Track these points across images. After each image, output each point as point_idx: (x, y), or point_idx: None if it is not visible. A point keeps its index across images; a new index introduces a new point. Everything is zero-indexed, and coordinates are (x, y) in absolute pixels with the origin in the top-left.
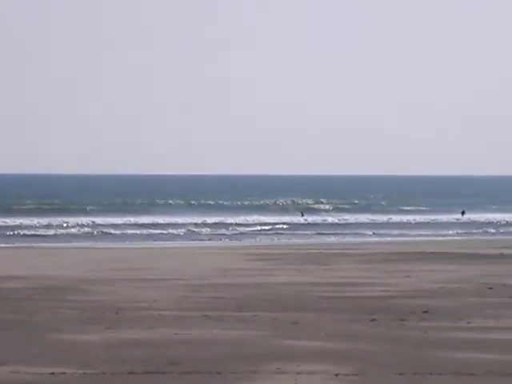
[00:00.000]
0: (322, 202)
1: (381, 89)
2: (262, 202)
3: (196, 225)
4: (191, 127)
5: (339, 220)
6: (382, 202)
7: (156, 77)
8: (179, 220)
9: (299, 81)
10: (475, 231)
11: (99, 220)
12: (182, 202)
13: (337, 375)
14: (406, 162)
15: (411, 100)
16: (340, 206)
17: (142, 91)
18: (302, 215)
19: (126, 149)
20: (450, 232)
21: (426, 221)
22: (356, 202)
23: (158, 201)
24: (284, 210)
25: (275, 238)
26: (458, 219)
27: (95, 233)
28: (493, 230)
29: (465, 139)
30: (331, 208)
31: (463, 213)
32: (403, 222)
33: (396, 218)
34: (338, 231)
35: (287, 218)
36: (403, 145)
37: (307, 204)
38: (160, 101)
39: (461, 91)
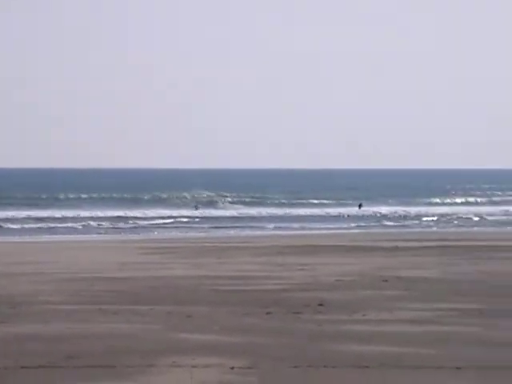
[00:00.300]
0: (224, 196)
1: None
2: (162, 196)
3: (95, 218)
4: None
5: (239, 214)
6: (282, 196)
7: None
8: (80, 213)
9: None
10: (371, 224)
11: None
12: (84, 196)
13: (232, 368)
14: (307, 155)
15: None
16: (242, 200)
17: None
18: (196, 208)
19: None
20: (346, 225)
21: (324, 214)
22: (257, 195)
23: (59, 195)
24: (184, 204)
25: (172, 232)
26: (355, 212)
27: None
28: (388, 223)
29: (364, 133)
30: (232, 201)
31: (360, 206)
32: (301, 216)
33: (295, 211)
34: (237, 224)
35: (185, 212)
36: (301, 139)
37: (208, 197)
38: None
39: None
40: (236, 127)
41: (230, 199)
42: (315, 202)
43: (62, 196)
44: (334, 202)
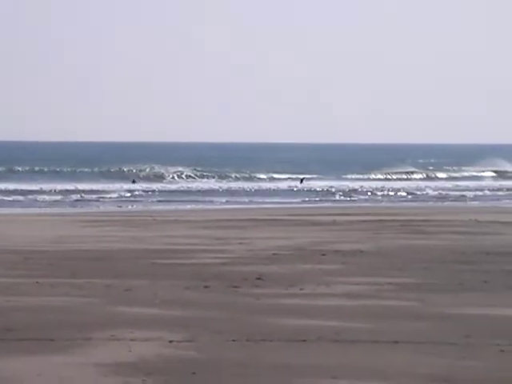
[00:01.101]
0: (177, 170)
1: None
2: (107, 169)
3: (38, 192)
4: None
5: (187, 188)
6: (233, 169)
7: None
8: (23, 187)
9: None
10: (311, 199)
11: None
12: (27, 168)
13: (171, 342)
14: (252, 128)
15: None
16: (195, 174)
17: None
18: (134, 182)
19: None
20: (287, 200)
21: (266, 188)
22: (212, 169)
23: (9, 167)
24: (125, 177)
25: (113, 206)
26: (296, 186)
27: None
28: (329, 198)
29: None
30: (182, 175)
31: (302, 180)
32: (249, 190)
33: (246, 185)
34: (182, 199)
35: (127, 186)
36: (244, 112)
37: (154, 171)
38: None
39: None
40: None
41: (179, 173)
42: (263, 176)
43: (9, 169)
44: (285, 176)
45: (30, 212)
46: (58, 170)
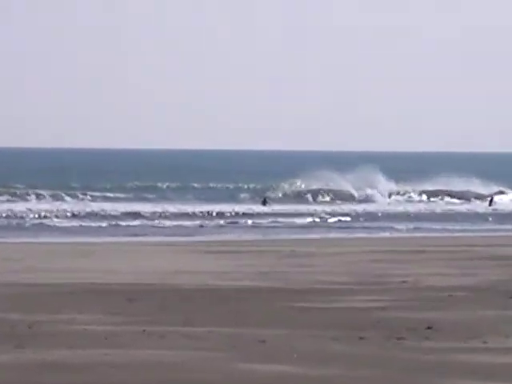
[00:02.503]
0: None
1: None
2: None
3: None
4: None
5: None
6: None
7: None
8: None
9: None
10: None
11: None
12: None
13: None
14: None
15: None
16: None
17: None
18: (265, 203)
19: None
20: (461, 225)
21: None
22: None
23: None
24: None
25: (244, 232)
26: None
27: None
28: None
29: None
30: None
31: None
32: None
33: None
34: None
35: (261, 208)
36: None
37: None
38: None
39: None
40: None
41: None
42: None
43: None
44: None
45: (146, 240)
46: (169, 185)
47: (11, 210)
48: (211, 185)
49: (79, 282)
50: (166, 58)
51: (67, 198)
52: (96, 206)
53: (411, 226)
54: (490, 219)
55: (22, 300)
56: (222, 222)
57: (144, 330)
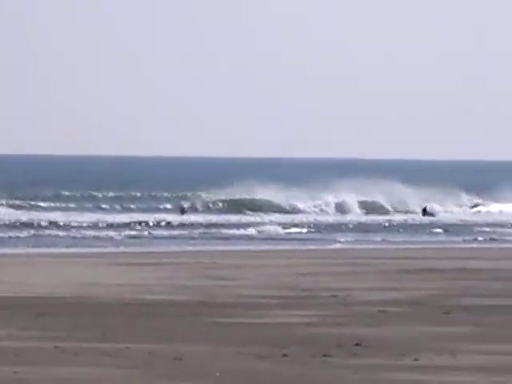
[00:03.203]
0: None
1: None
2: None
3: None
4: None
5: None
6: None
7: None
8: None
9: None
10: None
11: None
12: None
13: None
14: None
15: None
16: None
17: None
18: (183, 212)
19: None
20: (394, 238)
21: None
22: None
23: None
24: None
25: (158, 244)
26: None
27: None
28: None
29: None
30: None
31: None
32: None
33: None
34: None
35: (179, 217)
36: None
37: None
38: None
39: None
40: None
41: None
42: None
43: None
44: None
45: (52, 251)
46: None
47: None
48: (133, 193)
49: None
50: None
51: None
52: (16, 215)
53: (349, 237)
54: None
55: None
56: (144, 232)
57: (57, 346)
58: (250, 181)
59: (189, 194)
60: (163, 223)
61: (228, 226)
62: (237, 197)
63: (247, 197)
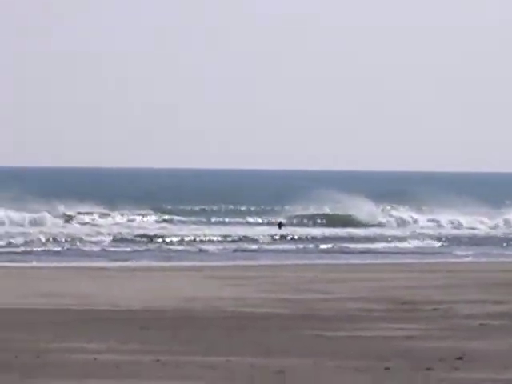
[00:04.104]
0: None
1: None
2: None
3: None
4: None
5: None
6: None
7: None
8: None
9: None
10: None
11: None
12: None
13: None
14: None
15: None
16: None
17: None
18: (281, 226)
19: None
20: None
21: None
22: None
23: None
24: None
25: (265, 258)
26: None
27: None
28: None
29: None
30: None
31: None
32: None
33: None
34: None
35: (276, 231)
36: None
37: None
38: None
39: None
40: None
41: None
42: None
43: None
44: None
45: (151, 265)
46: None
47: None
48: (224, 206)
49: (87, 308)
50: None
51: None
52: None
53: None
54: None
55: (28, 327)
56: (244, 245)
57: (158, 360)
58: (330, 192)
59: (276, 208)
60: (262, 237)
61: (347, 240)
62: (328, 211)
63: (341, 213)
